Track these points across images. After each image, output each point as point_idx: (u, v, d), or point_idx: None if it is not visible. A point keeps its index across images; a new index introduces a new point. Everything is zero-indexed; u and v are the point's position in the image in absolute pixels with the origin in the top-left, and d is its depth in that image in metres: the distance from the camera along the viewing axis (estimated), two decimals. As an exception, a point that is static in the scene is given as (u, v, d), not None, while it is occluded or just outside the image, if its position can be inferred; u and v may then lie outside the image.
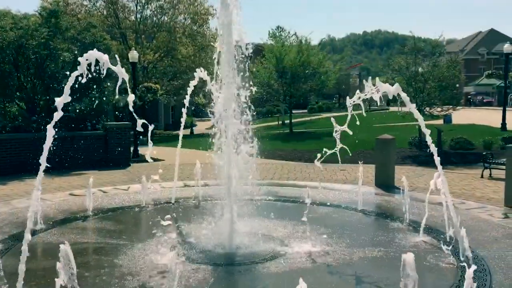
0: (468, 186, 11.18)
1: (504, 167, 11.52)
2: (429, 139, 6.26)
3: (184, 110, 9.08)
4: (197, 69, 7.97)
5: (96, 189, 10.68)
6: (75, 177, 12.45)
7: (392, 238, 6.93)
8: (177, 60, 31.54)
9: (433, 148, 6.23)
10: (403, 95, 6.32)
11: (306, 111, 61.53)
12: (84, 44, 14.95)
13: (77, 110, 15.35)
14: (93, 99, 15.22)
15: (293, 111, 58.36)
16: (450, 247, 6.06)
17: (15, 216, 8.22)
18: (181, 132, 10.05)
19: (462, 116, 28.66)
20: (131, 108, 6.01)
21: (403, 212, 8.17)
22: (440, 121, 24.54)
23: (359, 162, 9.22)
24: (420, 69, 16.65)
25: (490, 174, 12.40)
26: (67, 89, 4.74)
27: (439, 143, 16.51)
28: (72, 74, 4.93)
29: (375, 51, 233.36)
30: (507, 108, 24.77)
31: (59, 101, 4.73)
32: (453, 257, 5.94)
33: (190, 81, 8.37)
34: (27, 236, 4.44)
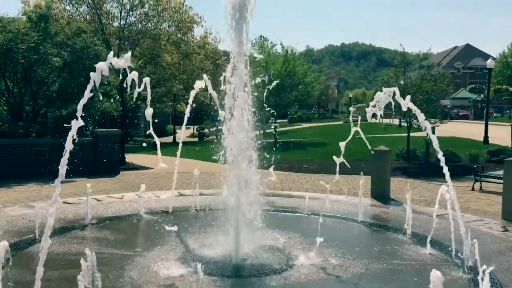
0: (461, 198, 11.31)
1: (495, 180, 11.79)
2: (441, 157, 6.28)
3: (185, 118, 8.94)
4: (197, 81, 7.86)
5: (90, 197, 10.46)
6: (65, 185, 12.15)
7: (399, 250, 6.93)
8: (161, 67, 31.34)
9: (444, 164, 6.26)
10: (414, 108, 6.41)
11: (286, 120, 61.94)
12: (74, 49, 14.70)
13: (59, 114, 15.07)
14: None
15: (278, 121, 58.54)
16: (459, 260, 6.12)
17: (11, 224, 7.97)
18: (182, 132, 9.93)
19: (442, 129, 29.23)
20: (149, 119, 5.96)
21: (403, 224, 8.23)
22: (424, 134, 24.95)
23: (361, 173, 9.23)
24: (406, 82, 16.88)
25: (481, 187, 12.60)
26: (80, 106, 4.64)
27: (427, 155, 16.75)
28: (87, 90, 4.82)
29: (352, 63, 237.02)
30: (482, 121, 25.29)
31: (79, 108, 4.65)
32: (462, 270, 5.97)
33: (191, 90, 8.25)
34: (46, 245, 4.31)
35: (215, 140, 36.98)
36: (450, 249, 6.72)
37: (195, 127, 49.55)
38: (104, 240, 7.32)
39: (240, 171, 6.60)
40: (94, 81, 4.85)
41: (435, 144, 6.35)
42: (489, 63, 22.16)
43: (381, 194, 10.86)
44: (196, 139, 41.63)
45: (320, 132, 38.64)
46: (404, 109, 6.23)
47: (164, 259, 6.31)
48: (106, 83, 16.12)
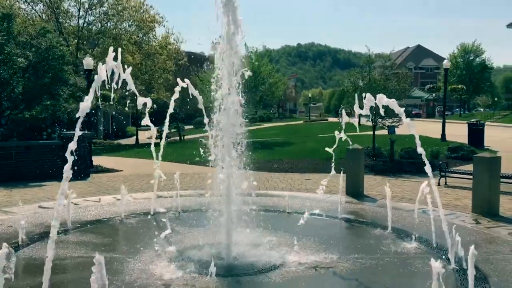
0: (430, 193, 11.80)
1: (463, 175, 12.37)
2: (422, 152, 6.57)
3: (166, 121, 8.87)
4: (180, 80, 7.86)
5: (66, 200, 10.25)
6: (36, 189, 11.85)
7: (385, 245, 7.19)
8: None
9: (427, 161, 6.58)
10: (398, 108, 6.68)
11: (247, 120, 62.11)
12: (39, 49, 14.31)
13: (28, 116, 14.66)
14: (48, 106, 14.61)
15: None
16: (441, 252, 6.46)
17: (-8, 231, 7.74)
18: (147, 133, 9.82)
19: (400, 127, 30.18)
20: (146, 113, 5.94)
21: (382, 220, 8.57)
22: (385, 132, 25.69)
23: (341, 172, 9.47)
24: (371, 82, 17.39)
25: (446, 182, 13.17)
26: (89, 100, 4.64)
27: (392, 152, 17.30)
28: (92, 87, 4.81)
29: (308, 63, 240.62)
30: (434, 119, 26.33)
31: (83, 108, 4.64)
32: (447, 262, 6.28)
33: (173, 94, 8.21)
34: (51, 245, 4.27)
35: (180, 141, 36.69)
36: (431, 242, 7.07)
37: (156, 128, 48.90)
38: (90, 244, 7.23)
39: (230, 171, 6.71)
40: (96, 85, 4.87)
41: (418, 144, 6.63)
42: (446, 63, 23.13)
43: (355, 191, 11.17)
44: (158, 140, 41.04)
45: (283, 132, 39.03)
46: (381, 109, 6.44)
47: (156, 260, 6.32)
48: (73, 85, 15.77)
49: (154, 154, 7.78)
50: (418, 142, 6.70)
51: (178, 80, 7.68)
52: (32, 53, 14.23)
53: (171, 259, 6.40)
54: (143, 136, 42.62)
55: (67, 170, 4.54)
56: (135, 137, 38.72)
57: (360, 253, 6.78)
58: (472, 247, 4.89)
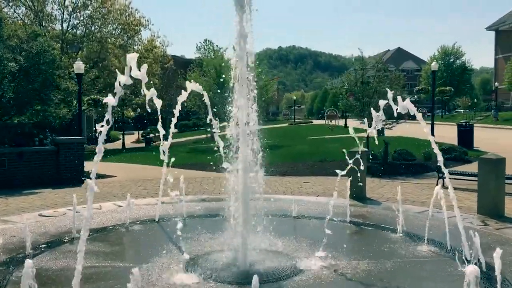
0: (431, 195, 11.82)
1: (465, 177, 12.45)
2: (440, 158, 6.56)
3: (172, 125, 8.69)
4: (187, 82, 7.73)
5: (65, 208, 10.02)
6: (32, 197, 11.53)
7: (399, 248, 7.16)
8: (109, 71, 30.43)
9: (443, 165, 6.56)
10: (414, 110, 6.65)
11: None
12: (30, 53, 13.99)
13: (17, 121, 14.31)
14: (39, 112, 14.29)
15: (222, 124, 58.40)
16: (458, 255, 6.43)
17: (-6, 241, 7.45)
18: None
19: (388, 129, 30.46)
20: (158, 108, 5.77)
21: (390, 223, 8.54)
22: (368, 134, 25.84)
23: (347, 176, 9.38)
24: (365, 85, 17.46)
25: (443, 184, 13.24)
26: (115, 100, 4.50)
27: (386, 154, 17.38)
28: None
29: (290, 65, 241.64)
30: (415, 122, 26.36)
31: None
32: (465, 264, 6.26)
33: (180, 96, 8.08)
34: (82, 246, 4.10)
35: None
36: (445, 245, 7.05)
37: (140, 132, 48.50)
38: (101, 253, 7.02)
39: (247, 177, 6.60)
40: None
41: (435, 147, 6.61)
42: (433, 66, 23.43)
43: (359, 194, 11.14)
44: (143, 145, 40.73)
45: (270, 135, 38.98)
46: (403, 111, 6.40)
47: (170, 268, 6.17)
48: (64, 89, 15.44)
49: (165, 161, 7.60)
50: (434, 145, 6.71)
51: (187, 82, 7.54)
52: (23, 57, 13.89)
53: (186, 267, 6.24)
54: (127, 141, 42.13)
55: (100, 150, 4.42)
56: (120, 142, 38.29)
57: (377, 256, 6.74)
58: (498, 249, 4.86)
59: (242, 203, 6.63)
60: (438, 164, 14.10)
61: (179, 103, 8.32)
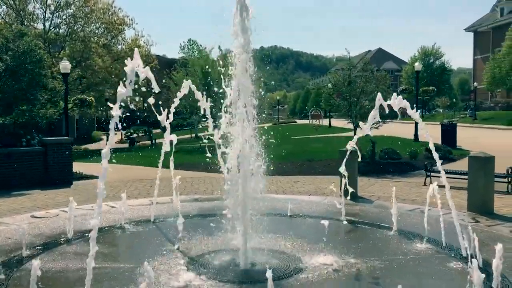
0: (420, 193, 12.05)
1: (447, 175, 12.67)
2: (436, 157, 6.69)
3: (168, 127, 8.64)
4: (185, 80, 7.74)
5: (57, 210, 9.93)
6: (21, 198, 11.37)
7: (396, 246, 7.28)
8: (92, 71, 30.11)
9: (440, 166, 6.69)
10: (411, 111, 6.76)
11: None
12: (17, 52, 13.79)
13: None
14: (24, 112, 14.09)
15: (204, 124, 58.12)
16: (454, 252, 6.58)
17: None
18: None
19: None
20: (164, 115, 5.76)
21: (384, 221, 8.68)
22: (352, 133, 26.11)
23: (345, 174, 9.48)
24: (353, 85, 17.63)
25: (431, 182, 13.46)
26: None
27: (373, 153, 17.57)
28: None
29: (271, 66, 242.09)
30: (399, 121, 26.59)
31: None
32: (464, 262, 6.40)
33: (177, 94, 8.06)
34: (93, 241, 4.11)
35: (150, 144, 36.07)
36: (440, 242, 7.19)
37: (123, 132, 48.02)
38: (100, 254, 6.93)
39: (247, 175, 6.63)
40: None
41: (432, 148, 6.73)
42: (417, 66, 23.79)
43: (351, 193, 11.22)
44: (127, 145, 40.32)
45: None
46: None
47: (171, 268, 6.17)
48: (51, 89, 15.24)
49: (172, 163, 7.59)
50: (432, 146, 6.82)
51: (185, 81, 7.55)
52: (9, 57, 13.68)
53: (186, 266, 6.26)
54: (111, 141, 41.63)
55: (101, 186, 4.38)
56: (102, 143, 37.86)
57: (376, 254, 6.84)
58: (499, 244, 5.02)
59: (242, 202, 6.66)
60: (425, 163, 14.28)
61: (177, 98, 8.30)
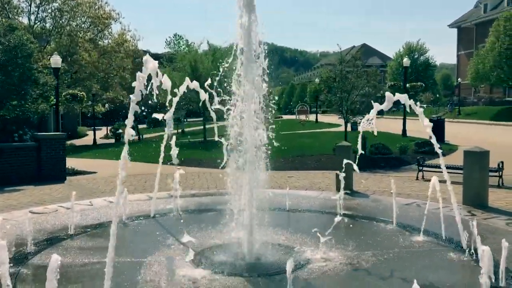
0: (414, 188, 12.24)
1: (438, 169, 12.87)
2: (438, 151, 6.82)
3: (171, 123, 8.61)
4: (186, 78, 7.75)
5: (56, 205, 9.88)
6: (16, 194, 11.26)
7: (396, 239, 7.41)
8: (79, 66, 29.77)
9: (442, 162, 6.83)
10: (413, 105, 6.88)
11: (201, 119, 61.63)
12: (8, 47, 13.61)
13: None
14: (15, 107, 13.93)
15: (189, 119, 57.49)
16: (454, 244, 6.74)
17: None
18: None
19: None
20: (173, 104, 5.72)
21: (382, 214, 8.82)
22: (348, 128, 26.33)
23: (340, 170, 9.60)
24: (344, 81, 17.77)
25: (423, 176, 13.69)
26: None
27: (364, 148, 17.74)
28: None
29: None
30: (386, 116, 26.90)
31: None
32: (464, 253, 6.56)
33: (180, 88, 8.04)
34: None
35: (136, 140, 35.80)
36: (440, 235, 7.34)
37: (108, 127, 47.62)
38: (105, 249, 6.93)
39: (252, 170, 6.69)
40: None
41: (435, 144, 6.85)
42: (405, 61, 24.01)
43: (346, 187, 11.34)
44: (113, 141, 39.99)
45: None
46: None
47: (176, 261, 6.21)
48: (43, 84, 15.03)
49: (174, 160, 7.62)
50: (434, 142, 6.92)
51: (187, 79, 7.55)
52: (0, 51, 13.49)
53: (192, 260, 6.29)
54: (96, 136, 41.30)
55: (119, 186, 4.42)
56: (89, 138, 37.56)
57: (378, 247, 6.96)
58: (504, 240, 5.20)
59: (248, 196, 6.72)
60: (418, 158, 14.48)
61: (177, 96, 8.30)
